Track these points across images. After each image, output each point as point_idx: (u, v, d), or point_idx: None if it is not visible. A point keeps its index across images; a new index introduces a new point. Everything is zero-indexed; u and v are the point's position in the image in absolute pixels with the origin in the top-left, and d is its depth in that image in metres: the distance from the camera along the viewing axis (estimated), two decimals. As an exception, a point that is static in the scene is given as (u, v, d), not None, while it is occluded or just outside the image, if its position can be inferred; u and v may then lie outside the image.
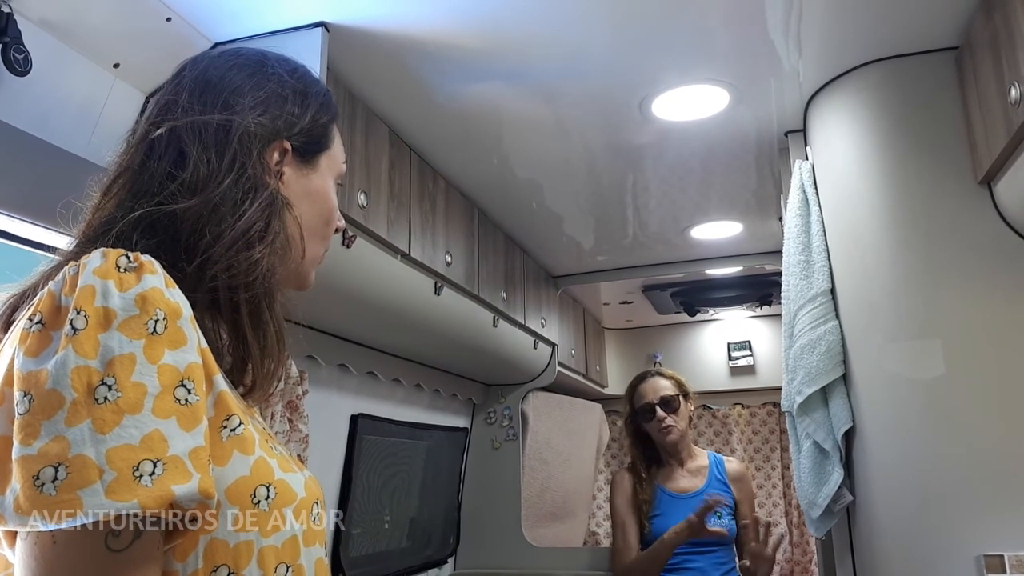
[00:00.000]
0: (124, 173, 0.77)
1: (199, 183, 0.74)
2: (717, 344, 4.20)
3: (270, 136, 0.81)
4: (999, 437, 1.48)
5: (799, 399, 1.72)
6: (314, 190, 0.86)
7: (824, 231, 1.78)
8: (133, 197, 0.75)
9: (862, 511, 1.69)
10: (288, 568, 0.69)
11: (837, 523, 1.77)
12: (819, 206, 1.80)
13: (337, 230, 0.91)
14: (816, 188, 1.82)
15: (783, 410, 1.87)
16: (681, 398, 2.50)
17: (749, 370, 4.10)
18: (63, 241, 0.77)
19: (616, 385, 4.23)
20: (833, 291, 1.75)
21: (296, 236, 0.82)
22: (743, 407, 4.19)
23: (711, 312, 4.02)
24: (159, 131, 0.77)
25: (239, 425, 0.69)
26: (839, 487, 1.67)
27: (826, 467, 1.70)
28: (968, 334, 1.54)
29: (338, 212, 0.90)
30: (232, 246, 0.73)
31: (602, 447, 3.99)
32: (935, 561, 1.50)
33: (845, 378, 1.71)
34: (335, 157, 0.90)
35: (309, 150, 0.85)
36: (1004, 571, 1.41)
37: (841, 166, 1.75)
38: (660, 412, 2.45)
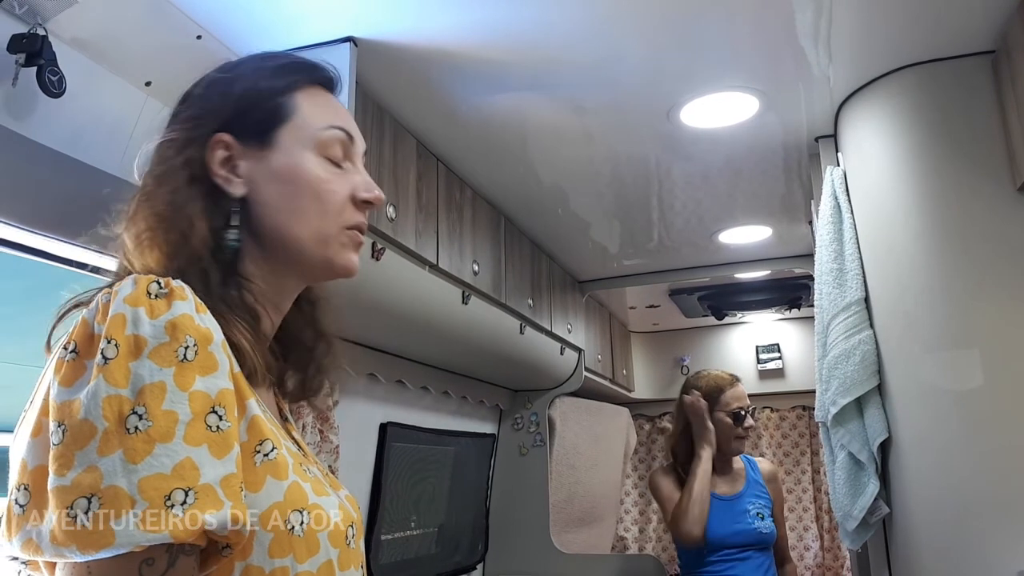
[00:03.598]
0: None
1: (149, 205, 0.75)
2: (745, 347, 4.15)
3: (204, 136, 0.78)
4: (1040, 449, 1.45)
5: (833, 410, 1.70)
6: (277, 169, 0.78)
7: (857, 238, 1.75)
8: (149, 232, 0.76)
9: (899, 524, 1.66)
10: None
11: (873, 536, 1.74)
12: (851, 213, 1.77)
13: (370, 203, 0.82)
14: (848, 195, 1.79)
15: (817, 420, 1.85)
16: None
17: (778, 373, 4.05)
18: (96, 259, 0.78)
19: (643, 389, 4.21)
20: (867, 300, 1.72)
21: (266, 224, 0.78)
22: (772, 411, 4.15)
23: (739, 315, 3.98)
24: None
25: (272, 450, 0.69)
26: (875, 499, 1.65)
27: (861, 479, 1.68)
28: (1007, 343, 1.51)
29: (362, 184, 0.82)
30: (201, 255, 0.73)
31: (629, 452, 3.97)
32: (975, 576, 1.47)
33: (880, 388, 1.68)
34: (304, 127, 0.80)
35: (257, 130, 0.79)
36: (1047, 587, 1.38)
37: (874, 172, 1.73)
38: (750, 420, 2.46)
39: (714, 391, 2.49)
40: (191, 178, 0.76)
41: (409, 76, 1.64)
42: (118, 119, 1.36)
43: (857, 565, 1.95)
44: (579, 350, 3.12)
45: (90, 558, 0.57)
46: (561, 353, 2.93)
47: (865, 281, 1.73)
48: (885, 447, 1.67)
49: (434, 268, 1.93)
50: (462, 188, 2.14)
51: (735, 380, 2.53)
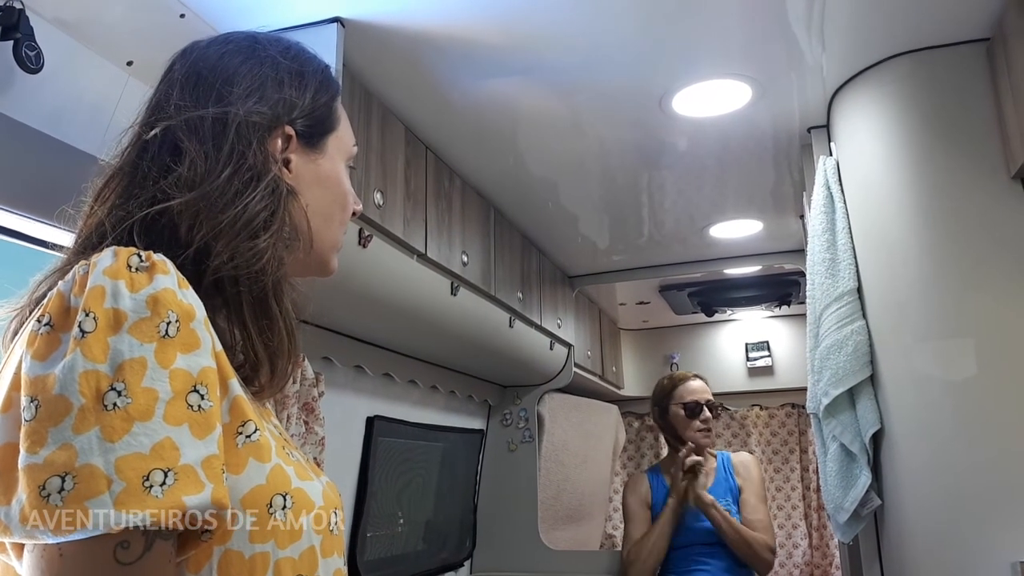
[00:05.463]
0: (117, 175, 0.74)
1: (197, 178, 0.71)
2: (735, 345, 4.15)
3: (270, 124, 0.77)
4: (1034, 439, 1.44)
5: (825, 400, 1.68)
6: (324, 175, 0.82)
7: (850, 228, 1.74)
8: (128, 198, 0.72)
9: (891, 516, 1.64)
10: None
11: (864, 528, 1.73)
12: (844, 203, 1.76)
13: (355, 214, 0.88)
14: (841, 185, 1.78)
15: (808, 412, 1.83)
16: None
17: (767, 371, 4.04)
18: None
19: (632, 386, 4.20)
20: (860, 290, 1.71)
21: (303, 225, 0.78)
22: (761, 408, 4.14)
23: (729, 312, 3.97)
24: (153, 131, 0.74)
25: (255, 431, 0.66)
26: (867, 491, 1.63)
27: (853, 470, 1.66)
28: (1002, 333, 1.49)
29: (354, 195, 0.87)
30: (235, 237, 0.70)
31: (618, 449, 3.96)
32: (967, 568, 1.46)
33: (873, 379, 1.66)
34: (343, 138, 0.86)
35: (314, 133, 0.82)
36: (1041, 578, 1.37)
37: (867, 162, 1.71)
38: (707, 412, 2.50)
39: (667, 388, 2.57)
40: (254, 166, 0.75)
41: (398, 59, 1.61)
42: (99, 98, 1.33)
43: (848, 559, 1.93)
44: (569, 346, 3.10)
45: (62, 540, 0.54)
46: (551, 348, 2.91)
47: (858, 271, 1.71)
48: (877, 438, 1.66)
49: (422, 258, 1.91)
50: (451, 177, 2.12)
51: (694, 377, 2.59)
